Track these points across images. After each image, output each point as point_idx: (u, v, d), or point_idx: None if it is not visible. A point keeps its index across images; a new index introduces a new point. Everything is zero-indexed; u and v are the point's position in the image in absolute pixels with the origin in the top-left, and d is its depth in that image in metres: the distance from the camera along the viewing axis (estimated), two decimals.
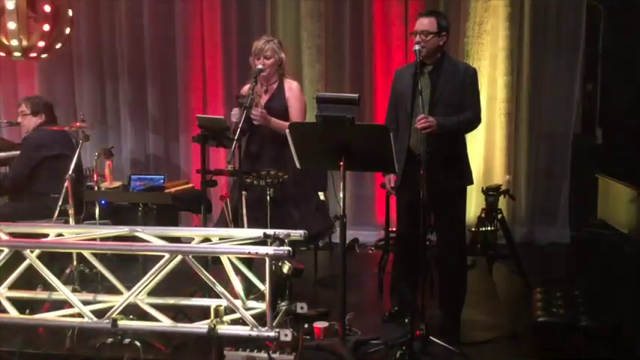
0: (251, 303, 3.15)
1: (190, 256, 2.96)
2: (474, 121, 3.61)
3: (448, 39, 3.58)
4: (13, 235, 3.36)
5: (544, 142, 5.72)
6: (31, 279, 3.40)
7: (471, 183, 3.71)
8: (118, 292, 3.17)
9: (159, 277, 3.02)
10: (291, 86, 4.01)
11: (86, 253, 3.30)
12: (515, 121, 5.69)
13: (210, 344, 2.92)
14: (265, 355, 2.97)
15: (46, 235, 3.39)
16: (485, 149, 5.72)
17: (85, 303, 3.15)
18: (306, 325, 3.49)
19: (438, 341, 3.35)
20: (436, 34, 3.47)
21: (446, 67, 3.56)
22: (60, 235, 3.42)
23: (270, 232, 3.18)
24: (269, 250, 2.90)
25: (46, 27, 5.10)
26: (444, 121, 3.41)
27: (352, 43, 5.77)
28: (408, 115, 3.53)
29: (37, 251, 3.12)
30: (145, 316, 3.10)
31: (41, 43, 5.13)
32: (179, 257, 2.97)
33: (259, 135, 3.95)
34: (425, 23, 3.50)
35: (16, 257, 3.16)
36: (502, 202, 4.83)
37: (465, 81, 3.54)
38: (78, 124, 4.21)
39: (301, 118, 3.95)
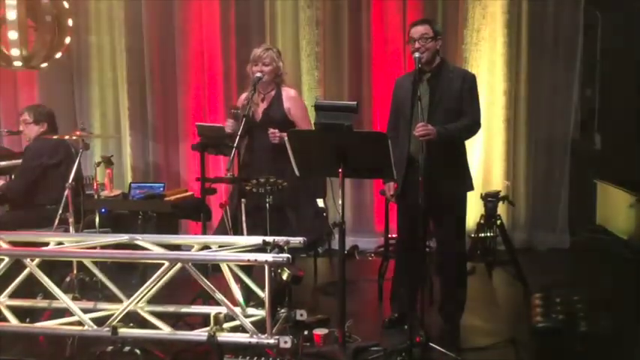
0: (251, 310, 3.16)
1: (190, 264, 2.96)
2: (473, 127, 3.63)
3: (443, 44, 3.61)
4: (13, 243, 3.37)
5: (543, 147, 5.73)
6: (31, 287, 3.40)
7: (471, 189, 3.72)
8: (118, 300, 3.18)
9: (159, 284, 3.03)
10: (289, 95, 4.01)
11: (86, 262, 3.30)
12: (514, 127, 5.71)
13: (210, 352, 2.93)
14: None
15: (46, 244, 3.40)
16: (484, 155, 5.74)
17: (85, 311, 3.15)
18: (305, 332, 3.49)
19: (438, 347, 3.36)
20: (433, 38, 3.54)
21: (445, 73, 3.59)
22: (60, 243, 3.43)
23: (269, 239, 3.19)
24: (268, 257, 2.90)
25: (47, 37, 5.13)
26: (443, 130, 3.43)
27: (351, 51, 5.79)
28: (408, 122, 3.56)
29: (37, 260, 3.13)
30: (144, 323, 3.10)
31: (41, 53, 5.15)
32: (179, 265, 2.97)
33: (258, 143, 3.96)
34: (421, 30, 3.55)
35: (17, 266, 3.17)
36: (501, 208, 4.84)
37: (464, 87, 3.57)
38: (78, 132, 4.23)
39: (308, 124, 3.95)
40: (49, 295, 3.26)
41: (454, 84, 3.56)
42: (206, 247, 3.36)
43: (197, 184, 4.07)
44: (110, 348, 3.20)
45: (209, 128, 3.98)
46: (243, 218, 3.69)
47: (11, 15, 4.93)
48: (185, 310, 3.36)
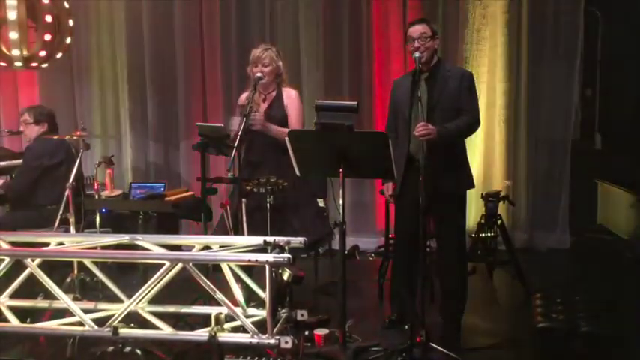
0: (251, 310, 3.16)
1: (191, 264, 2.96)
2: (473, 125, 3.64)
3: (443, 44, 3.62)
4: (14, 244, 3.38)
5: (543, 147, 5.74)
6: (32, 288, 3.40)
7: (472, 186, 3.73)
8: (118, 301, 3.18)
9: (159, 285, 3.03)
10: (290, 94, 4.02)
11: (87, 262, 3.31)
12: (514, 127, 5.71)
13: (210, 352, 2.93)
14: None
15: (47, 244, 3.40)
16: (485, 155, 5.74)
17: (86, 311, 3.15)
18: (306, 332, 3.49)
19: (439, 347, 3.35)
20: (431, 37, 3.57)
21: (442, 72, 3.61)
22: (61, 243, 3.43)
23: (270, 239, 3.19)
24: (269, 257, 2.90)
25: (47, 37, 5.13)
26: (444, 129, 3.44)
27: (351, 51, 5.79)
28: (407, 122, 3.56)
29: (38, 260, 3.13)
30: (145, 324, 3.10)
31: (42, 53, 5.15)
32: (179, 265, 2.98)
33: (259, 143, 3.95)
34: (420, 29, 3.58)
35: (17, 266, 3.17)
36: (502, 208, 4.84)
37: (462, 85, 3.58)
38: (78, 133, 4.23)
39: (299, 126, 3.96)
40: (49, 296, 3.26)
41: (452, 83, 3.58)
42: (207, 247, 3.36)
43: (198, 184, 4.07)
44: (111, 348, 3.20)
45: (209, 128, 3.97)
46: (244, 218, 3.69)
47: (12, 15, 4.93)
48: (186, 310, 3.36)
